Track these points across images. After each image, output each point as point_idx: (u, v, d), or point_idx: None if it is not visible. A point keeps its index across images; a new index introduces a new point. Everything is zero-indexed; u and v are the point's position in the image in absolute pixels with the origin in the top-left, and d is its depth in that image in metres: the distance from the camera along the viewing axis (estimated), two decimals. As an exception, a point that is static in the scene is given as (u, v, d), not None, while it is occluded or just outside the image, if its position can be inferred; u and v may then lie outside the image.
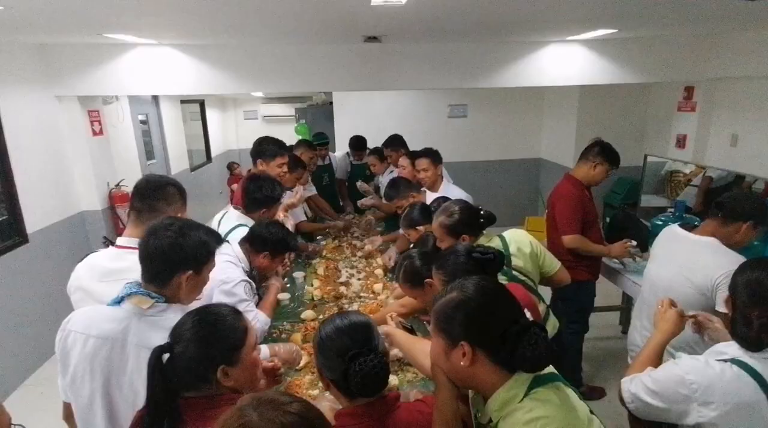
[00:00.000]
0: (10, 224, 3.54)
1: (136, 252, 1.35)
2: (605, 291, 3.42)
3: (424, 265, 1.81)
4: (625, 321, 3.85)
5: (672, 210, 3.38)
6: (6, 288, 3.39)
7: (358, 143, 4.62)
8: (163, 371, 1.08)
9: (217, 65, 3.93)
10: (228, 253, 2.05)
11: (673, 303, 1.59)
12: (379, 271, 2.99)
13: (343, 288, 2.77)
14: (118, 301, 1.32)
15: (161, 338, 1.15)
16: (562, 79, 4.24)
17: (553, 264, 2.18)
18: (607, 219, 5.63)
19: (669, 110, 5.18)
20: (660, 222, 3.04)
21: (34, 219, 3.66)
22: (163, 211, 1.64)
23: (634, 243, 2.80)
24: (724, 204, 1.89)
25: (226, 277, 1.97)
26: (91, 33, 3.21)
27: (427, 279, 1.76)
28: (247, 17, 2.68)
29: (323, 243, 3.60)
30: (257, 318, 1.99)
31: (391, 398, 1.19)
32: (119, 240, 1.66)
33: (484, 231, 2.10)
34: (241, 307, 1.50)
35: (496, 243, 2.03)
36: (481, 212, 2.08)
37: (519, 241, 2.08)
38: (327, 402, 1.43)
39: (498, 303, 1.09)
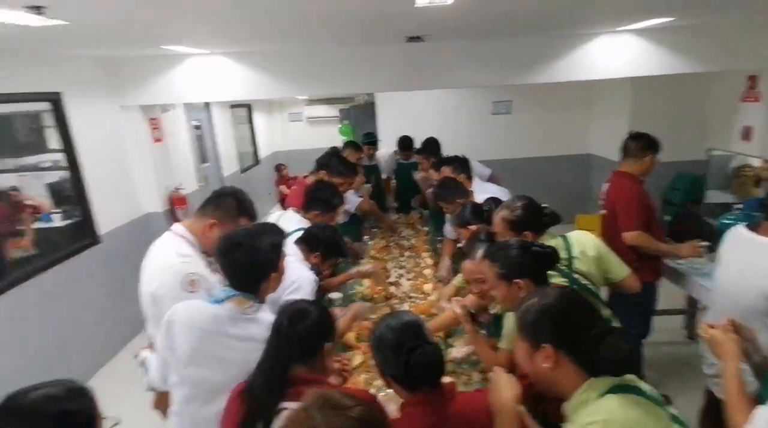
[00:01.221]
0: (83, 226, 3.82)
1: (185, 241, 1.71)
2: (668, 294, 3.25)
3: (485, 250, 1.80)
4: (691, 326, 3.65)
5: (740, 207, 3.17)
6: (81, 286, 3.67)
7: (405, 143, 4.66)
8: (280, 343, 1.28)
9: (264, 71, 4.07)
10: (291, 253, 2.13)
11: (734, 324, 1.41)
12: (428, 271, 3.01)
13: (392, 288, 2.80)
14: (219, 301, 1.46)
15: (257, 331, 1.38)
16: (612, 71, 4.07)
17: (621, 270, 2.06)
18: (668, 218, 5.37)
19: (732, 101, 4.85)
20: (728, 221, 2.85)
21: (104, 221, 3.94)
22: (215, 217, 1.79)
23: (706, 243, 2.65)
24: None
25: (295, 277, 2.03)
26: (150, 46, 3.42)
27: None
28: (293, 24, 2.77)
29: (370, 243, 3.65)
30: None
31: (450, 387, 1.27)
32: (175, 227, 1.84)
33: (548, 231, 2.05)
34: None
35: (558, 243, 1.97)
36: (545, 210, 2.03)
37: (583, 244, 2.00)
38: (394, 404, 1.47)
39: (579, 308, 1.14)
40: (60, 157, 3.84)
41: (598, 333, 1.06)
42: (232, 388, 1.33)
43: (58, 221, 3.85)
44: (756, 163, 4.07)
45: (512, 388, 1.19)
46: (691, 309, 3.62)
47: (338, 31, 3.16)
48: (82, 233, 3.81)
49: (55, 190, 4.20)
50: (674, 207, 5.32)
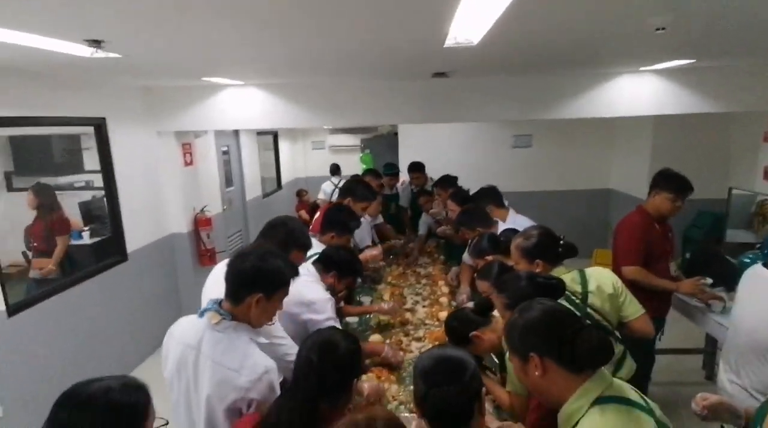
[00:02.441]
0: (114, 243, 3.99)
1: None
2: (686, 333, 3.19)
3: (468, 319, 1.89)
4: (710, 365, 3.56)
5: (760, 246, 3.14)
6: (109, 300, 3.81)
7: (415, 165, 4.76)
8: (310, 379, 1.26)
9: (294, 101, 4.27)
10: (308, 274, 2.21)
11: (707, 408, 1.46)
12: (443, 299, 3.04)
13: (408, 315, 2.84)
14: (202, 314, 1.49)
15: (220, 350, 1.37)
16: (634, 109, 4.14)
17: (635, 309, 2.02)
18: (687, 255, 5.28)
19: (755, 141, 4.85)
20: (748, 260, 2.84)
21: (133, 239, 4.11)
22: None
23: (709, 280, 2.62)
24: None
25: (314, 297, 2.11)
26: (192, 78, 3.65)
27: (473, 333, 1.85)
28: (328, 60, 2.93)
29: (388, 269, 3.70)
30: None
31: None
32: None
33: (564, 263, 2.06)
34: (328, 324, 1.68)
35: (573, 277, 1.98)
36: (561, 241, 2.04)
37: (600, 279, 1.98)
38: (416, 422, 1.48)
39: (554, 314, 1.22)
40: (92, 178, 4.05)
41: (572, 331, 1.13)
42: (205, 412, 1.36)
43: (87, 239, 4.05)
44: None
45: None
46: (710, 349, 3.53)
47: (369, 67, 3.32)
48: (111, 250, 3.98)
49: (86, 208, 4.43)
50: (694, 244, 5.24)
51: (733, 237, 4.37)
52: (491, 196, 3.27)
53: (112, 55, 2.34)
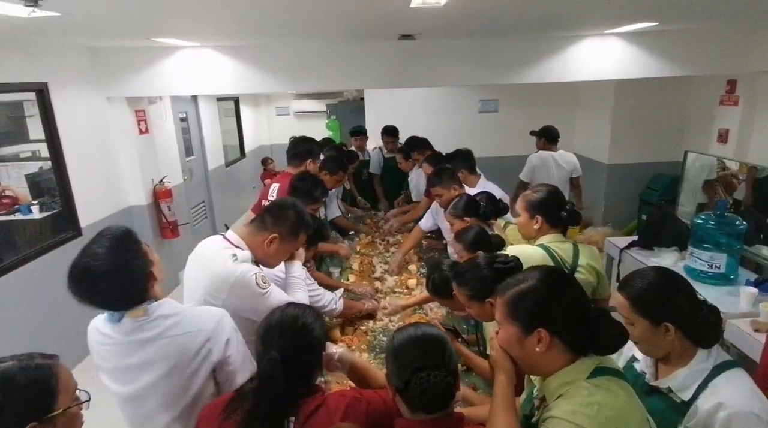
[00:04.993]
0: (65, 218, 3.78)
1: (232, 249, 1.68)
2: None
3: (452, 275, 1.84)
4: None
5: (712, 208, 3.31)
6: (62, 278, 3.61)
7: (389, 129, 4.71)
8: (280, 379, 1.17)
9: (254, 65, 4.07)
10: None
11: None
12: (412, 267, 3.06)
13: (378, 284, 2.85)
14: (115, 321, 1.33)
15: (161, 330, 1.30)
16: (599, 73, 4.17)
17: (604, 290, 2.10)
18: (644, 217, 5.52)
19: (711, 104, 5.02)
20: (701, 221, 2.99)
21: (87, 213, 3.90)
22: (275, 232, 1.77)
23: None
24: None
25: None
26: (141, 38, 3.39)
27: (488, 299, 1.75)
28: (286, 19, 2.77)
29: (356, 239, 3.69)
30: (333, 299, 2.20)
31: (456, 418, 1.17)
32: (229, 233, 1.79)
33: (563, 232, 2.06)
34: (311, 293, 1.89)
35: (566, 249, 2.00)
36: (566, 207, 2.03)
37: (590, 257, 2.02)
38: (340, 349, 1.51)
39: (570, 291, 1.14)
40: (39, 148, 3.78)
41: (595, 317, 1.09)
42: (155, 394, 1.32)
43: (37, 213, 3.81)
44: (732, 166, 4.22)
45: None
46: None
47: (331, 27, 3.17)
48: (63, 225, 3.77)
49: (34, 181, 4.15)
50: (650, 207, 5.48)
51: (686, 199, 4.57)
52: (466, 160, 3.26)
53: (51, 13, 2.13)
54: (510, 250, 1.94)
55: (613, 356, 1.48)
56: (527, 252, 1.93)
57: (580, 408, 1.01)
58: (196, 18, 2.59)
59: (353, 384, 1.57)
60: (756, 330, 2.40)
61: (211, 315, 1.38)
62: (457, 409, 1.57)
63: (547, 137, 4.45)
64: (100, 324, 1.36)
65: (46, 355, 1.04)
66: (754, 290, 2.70)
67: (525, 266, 1.82)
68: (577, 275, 1.95)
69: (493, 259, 1.65)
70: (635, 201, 5.91)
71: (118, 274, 1.24)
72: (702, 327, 1.25)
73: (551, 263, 1.92)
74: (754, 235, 3.39)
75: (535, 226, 2.03)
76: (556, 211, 2.01)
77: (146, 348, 1.30)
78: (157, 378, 1.31)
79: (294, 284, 1.91)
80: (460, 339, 1.90)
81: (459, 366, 1.95)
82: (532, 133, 4.67)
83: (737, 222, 2.93)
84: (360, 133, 4.78)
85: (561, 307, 1.10)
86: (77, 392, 1.07)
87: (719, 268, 2.92)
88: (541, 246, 1.99)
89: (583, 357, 1.10)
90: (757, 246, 3.43)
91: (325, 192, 2.81)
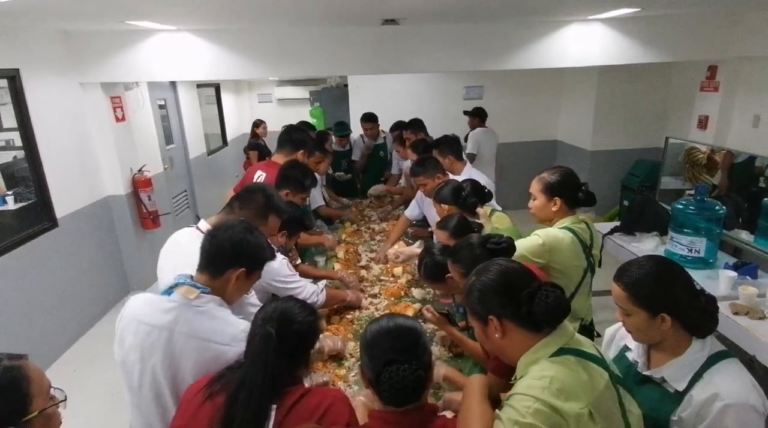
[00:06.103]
0: (40, 208, 3.66)
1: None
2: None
3: (444, 259, 1.85)
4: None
5: (692, 193, 3.35)
6: (38, 271, 3.53)
7: (368, 115, 4.63)
8: (270, 357, 1.17)
9: (234, 50, 3.96)
10: None
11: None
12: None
13: (363, 272, 2.84)
14: (169, 291, 1.40)
15: (206, 327, 1.30)
16: (583, 59, 4.17)
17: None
18: (626, 203, 5.60)
19: (691, 90, 5.07)
20: (681, 206, 3.03)
21: (63, 203, 3.79)
22: (243, 215, 1.74)
23: None
24: None
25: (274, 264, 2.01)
26: (114, 20, 3.26)
27: (448, 275, 1.82)
28: (265, 0, 2.69)
29: (341, 227, 3.66)
30: (314, 292, 2.15)
31: (429, 410, 1.16)
32: (201, 223, 1.78)
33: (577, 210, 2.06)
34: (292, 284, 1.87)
35: (584, 227, 2.01)
36: (583, 188, 2.02)
37: (598, 236, 2.09)
38: (362, 398, 1.47)
39: (508, 274, 1.19)
40: (14, 137, 3.64)
41: (529, 292, 1.12)
42: (180, 392, 1.31)
43: (12, 204, 3.68)
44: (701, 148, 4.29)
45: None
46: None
47: (312, 9, 3.09)
48: (38, 216, 3.65)
49: (8, 171, 4.01)
50: (632, 192, 5.56)
51: (667, 184, 4.64)
52: (453, 146, 3.22)
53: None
54: (539, 234, 1.95)
55: (603, 344, 1.51)
56: (558, 236, 1.93)
57: (534, 381, 1.07)
58: None
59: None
60: (735, 313, 2.47)
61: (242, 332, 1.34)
62: (446, 393, 1.60)
63: (480, 116, 5.45)
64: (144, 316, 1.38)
65: (13, 356, 0.99)
66: (733, 273, 2.76)
67: (557, 250, 1.91)
68: (594, 251, 2.02)
69: (486, 239, 1.69)
70: (617, 187, 5.98)
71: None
72: (699, 316, 1.24)
73: (579, 246, 1.94)
74: (732, 220, 3.46)
75: (553, 209, 2.01)
76: (574, 192, 2.00)
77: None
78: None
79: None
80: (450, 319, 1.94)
81: (446, 353, 1.99)
82: (466, 112, 5.58)
83: (717, 207, 2.98)
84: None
85: (502, 292, 1.16)
86: (52, 391, 1.02)
87: (699, 253, 2.97)
88: (567, 228, 1.97)
89: (547, 335, 1.14)
90: (735, 230, 3.51)
91: (315, 182, 2.76)
